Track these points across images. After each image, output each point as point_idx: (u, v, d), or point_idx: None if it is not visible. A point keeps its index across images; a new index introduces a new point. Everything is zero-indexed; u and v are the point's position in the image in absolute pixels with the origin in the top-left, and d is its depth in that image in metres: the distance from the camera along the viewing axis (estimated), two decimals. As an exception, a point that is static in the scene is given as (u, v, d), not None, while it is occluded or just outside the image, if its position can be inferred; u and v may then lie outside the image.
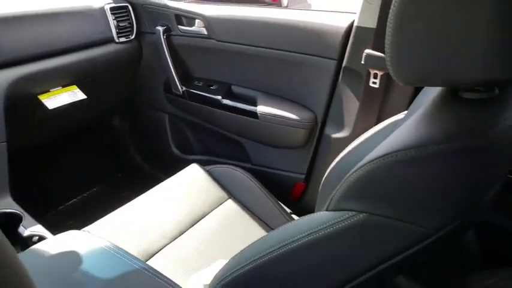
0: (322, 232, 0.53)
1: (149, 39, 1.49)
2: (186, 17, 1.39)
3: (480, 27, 0.42)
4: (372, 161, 0.48)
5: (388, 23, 0.47)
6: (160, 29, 1.41)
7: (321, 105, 1.19)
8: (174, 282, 0.73)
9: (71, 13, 1.31)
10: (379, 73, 0.97)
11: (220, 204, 1.17)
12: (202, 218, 1.11)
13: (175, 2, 1.41)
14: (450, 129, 0.46)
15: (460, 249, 1.09)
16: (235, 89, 1.39)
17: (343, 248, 0.52)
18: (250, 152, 1.43)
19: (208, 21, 1.32)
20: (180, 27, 1.40)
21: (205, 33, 1.34)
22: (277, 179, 1.37)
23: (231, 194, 1.20)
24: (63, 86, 1.33)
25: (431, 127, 0.47)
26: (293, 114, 1.23)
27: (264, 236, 0.63)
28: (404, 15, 0.45)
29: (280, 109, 1.25)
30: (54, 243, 0.85)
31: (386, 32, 0.48)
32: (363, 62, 1.00)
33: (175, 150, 1.63)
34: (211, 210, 1.14)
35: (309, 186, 1.32)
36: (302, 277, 0.57)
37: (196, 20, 1.35)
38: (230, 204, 1.18)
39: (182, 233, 1.05)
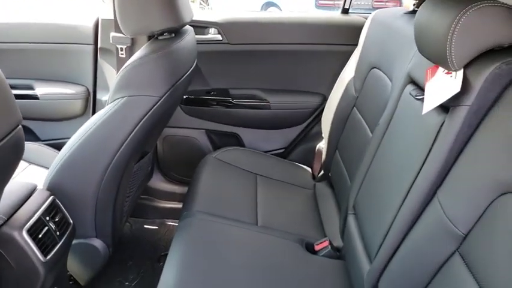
0: (104, 118, 1.01)
1: None
2: None
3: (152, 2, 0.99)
4: (125, 67, 1.00)
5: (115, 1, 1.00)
6: None
7: (89, 78, 1.61)
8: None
9: None
10: (124, 47, 1.49)
11: (22, 170, 1.44)
12: None
13: None
14: (152, 49, 1.02)
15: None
16: (9, 81, 1.63)
17: (115, 123, 1.02)
18: (38, 132, 1.71)
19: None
20: None
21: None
22: None
23: (31, 162, 1.49)
24: None
25: (147, 50, 1.03)
26: (67, 89, 1.61)
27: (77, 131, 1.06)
28: None
29: (56, 87, 1.61)
30: None
31: (115, 5, 1.01)
32: (111, 42, 1.49)
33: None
34: (15, 177, 1.40)
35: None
36: (99, 151, 1.04)
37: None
38: (33, 168, 1.47)
39: None
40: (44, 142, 1.70)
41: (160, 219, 1.78)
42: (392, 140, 0.98)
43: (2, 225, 0.89)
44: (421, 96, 0.87)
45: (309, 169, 1.69)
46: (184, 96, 1.66)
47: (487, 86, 0.69)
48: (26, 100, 1.61)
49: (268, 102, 1.66)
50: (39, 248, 0.93)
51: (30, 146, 1.53)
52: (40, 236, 0.94)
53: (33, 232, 0.93)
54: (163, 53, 1.02)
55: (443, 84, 0.77)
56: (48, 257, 0.94)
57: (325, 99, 1.66)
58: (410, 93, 0.93)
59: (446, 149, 0.75)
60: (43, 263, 0.93)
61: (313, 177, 1.67)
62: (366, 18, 1.45)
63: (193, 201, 1.27)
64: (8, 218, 0.90)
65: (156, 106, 1.04)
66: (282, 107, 1.67)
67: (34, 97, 1.61)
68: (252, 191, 1.41)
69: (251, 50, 1.60)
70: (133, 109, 1.02)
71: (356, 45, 1.48)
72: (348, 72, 1.48)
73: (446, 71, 0.78)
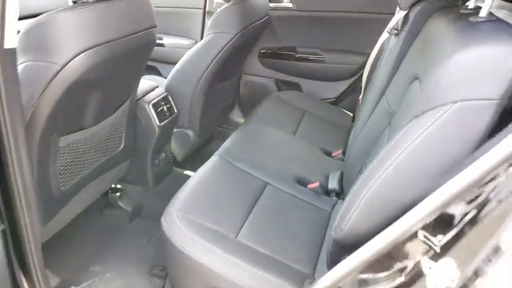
0: (198, 47, 1.65)
1: None
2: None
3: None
4: (214, 14, 1.60)
5: None
6: None
7: (198, 34, 2.29)
8: None
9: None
10: (222, 10, 2.12)
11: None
12: None
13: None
14: (233, 3, 1.61)
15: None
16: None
17: (206, 50, 1.64)
18: (162, 71, 2.46)
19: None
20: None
21: None
22: None
23: None
24: None
25: (227, 3, 1.62)
26: (183, 41, 2.31)
27: None
28: None
29: (176, 39, 2.32)
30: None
31: None
32: (214, 6, 2.13)
33: None
34: None
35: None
36: (194, 69, 1.67)
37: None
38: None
39: None
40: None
41: (236, 143, 2.40)
42: (378, 66, 1.42)
43: (139, 99, 1.57)
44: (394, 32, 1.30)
45: (352, 114, 2.13)
46: (262, 51, 2.23)
47: (417, 18, 1.11)
48: (157, 47, 2.34)
49: (324, 57, 2.14)
50: (157, 117, 1.59)
51: (157, 79, 2.26)
52: (158, 110, 1.61)
53: (154, 107, 1.59)
54: (239, 6, 1.60)
55: (396, 18, 1.20)
56: (162, 124, 1.60)
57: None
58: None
59: (393, 61, 1.18)
60: (158, 126, 1.59)
61: (353, 121, 2.10)
62: None
63: (252, 116, 1.83)
64: (142, 96, 1.58)
65: (231, 41, 1.62)
66: (334, 62, 2.14)
67: (162, 45, 2.34)
68: (298, 119, 1.92)
69: (315, 16, 2.10)
70: (215, 42, 1.63)
71: (397, 13, 1.87)
72: (385, 34, 1.88)
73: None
